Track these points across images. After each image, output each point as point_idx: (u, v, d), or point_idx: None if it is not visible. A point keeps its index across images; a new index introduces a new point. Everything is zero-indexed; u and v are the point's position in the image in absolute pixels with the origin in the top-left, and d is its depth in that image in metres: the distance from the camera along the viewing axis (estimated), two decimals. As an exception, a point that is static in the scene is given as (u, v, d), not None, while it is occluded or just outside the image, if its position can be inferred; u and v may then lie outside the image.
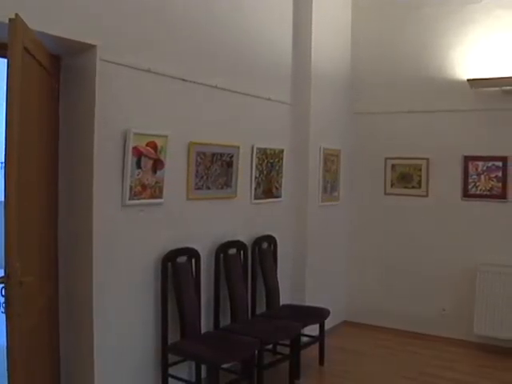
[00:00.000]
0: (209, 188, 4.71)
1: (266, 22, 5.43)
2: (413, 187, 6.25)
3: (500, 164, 5.72)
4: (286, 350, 4.94)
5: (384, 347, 5.82)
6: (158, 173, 4.13)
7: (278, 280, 5.44)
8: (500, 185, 5.73)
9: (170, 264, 4.24)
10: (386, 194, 6.44)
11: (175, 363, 4.24)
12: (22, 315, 2.72)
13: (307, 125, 5.86)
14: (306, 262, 5.89)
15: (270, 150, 5.48)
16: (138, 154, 3.94)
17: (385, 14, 6.41)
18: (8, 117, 2.64)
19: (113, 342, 3.85)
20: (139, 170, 3.97)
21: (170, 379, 4.20)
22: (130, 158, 3.88)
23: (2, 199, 2.66)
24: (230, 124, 4.94)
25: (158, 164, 4.12)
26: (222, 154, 4.80)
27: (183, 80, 4.37)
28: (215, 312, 4.76)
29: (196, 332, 4.38)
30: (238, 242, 5.03)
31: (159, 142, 4.10)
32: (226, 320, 4.86)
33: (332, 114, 6.24)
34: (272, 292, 5.33)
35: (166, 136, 4.15)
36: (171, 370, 4.21)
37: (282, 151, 5.64)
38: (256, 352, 4.39)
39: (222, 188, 4.87)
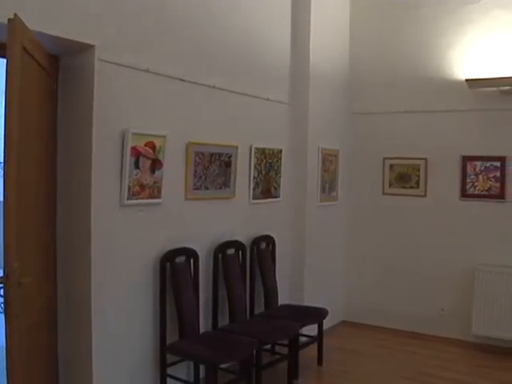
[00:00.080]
0: (207, 188, 4.71)
1: (265, 22, 5.43)
2: (411, 187, 6.25)
3: (498, 164, 5.72)
4: (285, 350, 4.94)
5: (382, 347, 5.83)
6: (157, 173, 4.13)
7: (277, 280, 5.45)
8: (498, 185, 5.73)
9: (168, 264, 4.24)
10: (384, 194, 6.45)
11: (174, 363, 4.24)
12: (20, 316, 2.72)
13: (306, 125, 5.86)
14: (305, 261, 5.89)
15: (269, 150, 5.48)
16: (137, 154, 3.94)
17: (383, 14, 6.41)
18: (7, 117, 2.64)
19: (111, 342, 3.85)
20: (137, 170, 3.97)
21: (168, 379, 4.20)
22: (129, 158, 3.87)
23: (1, 199, 2.66)
24: (228, 124, 4.94)
25: (156, 164, 4.12)
26: (220, 154, 4.81)
27: (182, 80, 4.37)
28: (213, 312, 4.76)
29: (194, 332, 4.38)
30: (237, 242, 5.03)
31: (158, 142, 4.10)
32: (224, 320, 4.87)
33: (330, 114, 6.25)
34: (270, 292, 5.33)
35: (164, 136, 4.15)
36: (170, 370, 4.21)
37: (280, 151, 5.64)
38: (254, 352, 4.39)
39: (220, 188, 4.87)
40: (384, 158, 6.40)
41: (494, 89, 5.65)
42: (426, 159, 6.13)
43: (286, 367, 4.80)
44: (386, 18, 6.39)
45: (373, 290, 6.51)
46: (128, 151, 3.86)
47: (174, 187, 4.38)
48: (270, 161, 5.51)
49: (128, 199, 3.91)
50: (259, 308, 5.31)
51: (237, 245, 5.02)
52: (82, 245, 3.71)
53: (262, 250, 5.36)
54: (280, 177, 5.68)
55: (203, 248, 4.68)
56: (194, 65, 4.53)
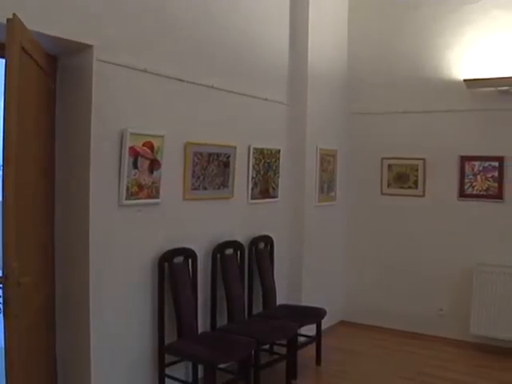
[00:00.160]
0: (205, 188, 4.71)
1: (263, 22, 5.43)
2: (409, 187, 6.26)
3: (496, 164, 5.73)
4: (283, 350, 4.95)
5: (381, 347, 5.83)
6: (155, 173, 4.13)
7: (275, 280, 5.45)
8: (496, 185, 5.74)
9: (166, 264, 4.24)
10: (382, 194, 6.45)
11: (172, 363, 4.24)
12: (19, 316, 2.72)
13: (304, 125, 5.86)
14: (303, 262, 5.89)
15: (267, 150, 5.48)
16: (135, 154, 3.94)
17: (381, 14, 6.41)
18: (6, 117, 2.63)
19: (109, 342, 3.84)
20: (136, 170, 3.97)
21: (166, 379, 4.20)
22: (127, 158, 3.87)
23: (0, 199, 2.66)
24: (226, 124, 4.94)
25: (154, 164, 4.12)
26: (218, 154, 4.80)
27: (180, 80, 4.37)
28: (212, 312, 4.76)
29: (193, 332, 4.38)
30: (235, 242, 5.03)
31: (156, 142, 4.10)
32: (222, 320, 4.87)
33: (329, 114, 6.25)
34: (269, 292, 5.33)
35: (162, 136, 4.15)
36: (168, 371, 4.21)
37: (278, 151, 5.65)
38: (253, 352, 4.40)
39: (218, 188, 4.87)
40: (382, 158, 6.40)
41: (493, 89, 5.66)
42: (424, 159, 6.13)
43: (284, 367, 4.80)
44: (385, 18, 6.39)
45: (371, 289, 6.51)
46: (126, 151, 3.86)
47: (173, 187, 4.38)
48: (268, 161, 5.51)
49: (126, 199, 3.91)
50: (257, 308, 5.31)
51: (235, 245, 5.02)
52: (80, 245, 3.71)
53: (261, 250, 5.36)
54: (278, 177, 5.68)
55: (201, 248, 4.68)
56: (192, 65, 4.53)
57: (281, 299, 5.55)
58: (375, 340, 6.05)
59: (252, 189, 5.32)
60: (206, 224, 4.77)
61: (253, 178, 5.32)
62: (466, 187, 5.90)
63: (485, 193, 5.80)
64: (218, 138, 4.79)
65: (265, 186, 5.51)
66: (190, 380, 4.46)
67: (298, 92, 5.86)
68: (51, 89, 3.68)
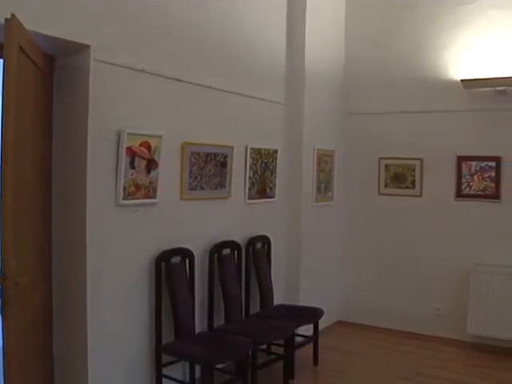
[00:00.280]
0: (203, 188, 4.71)
1: (261, 22, 5.43)
2: (406, 187, 6.26)
3: (493, 164, 5.73)
4: (280, 350, 4.94)
5: (378, 347, 5.83)
6: (152, 173, 4.13)
7: (272, 280, 5.45)
8: (493, 185, 5.74)
9: (163, 264, 4.24)
10: (379, 194, 6.45)
11: (169, 363, 4.23)
12: (17, 316, 2.72)
13: (301, 125, 5.86)
14: (300, 262, 5.89)
15: (264, 150, 5.48)
16: (132, 154, 3.94)
17: (379, 15, 6.42)
18: (4, 117, 2.63)
19: (107, 342, 3.84)
20: (133, 170, 3.97)
21: (164, 379, 4.19)
22: (124, 158, 3.87)
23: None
24: (224, 124, 4.94)
25: (151, 164, 4.11)
26: (216, 154, 4.80)
27: (177, 80, 4.37)
28: (209, 312, 4.76)
29: (190, 332, 4.38)
30: (232, 242, 5.03)
31: (153, 142, 4.10)
32: (219, 320, 4.86)
33: (326, 114, 6.25)
34: (266, 292, 5.33)
35: (159, 136, 4.15)
36: (165, 371, 4.21)
37: (275, 151, 5.65)
38: (250, 352, 4.40)
39: (215, 188, 4.87)
40: (379, 158, 6.40)
41: (490, 89, 5.66)
42: (421, 159, 6.14)
43: (281, 367, 4.80)
44: (382, 18, 6.39)
45: (369, 289, 6.51)
46: (123, 151, 3.86)
47: (170, 187, 4.38)
48: (265, 161, 5.51)
49: (123, 199, 3.91)
50: (255, 308, 5.31)
51: (232, 245, 5.02)
52: (77, 244, 3.71)
53: (258, 250, 5.36)
54: (275, 177, 5.69)
55: (199, 248, 4.68)
56: (190, 65, 4.53)
57: (278, 299, 5.55)
58: (373, 340, 6.05)
59: (249, 189, 5.32)
60: (204, 224, 4.77)
61: (250, 177, 5.32)
62: (463, 187, 5.90)
63: (482, 193, 5.81)
64: (215, 138, 4.79)
65: (262, 186, 5.51)
66: (188, 380, 4.45)
67: (295, 92, 5.86)
68: (48, 89, 3.67)
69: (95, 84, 3.65)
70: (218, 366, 4.25)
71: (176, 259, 4.35)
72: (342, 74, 6.56)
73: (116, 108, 3.87)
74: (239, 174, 5.17)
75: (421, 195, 6.18)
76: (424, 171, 6.14)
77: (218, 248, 4.83)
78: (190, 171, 4.56)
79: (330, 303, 6.17)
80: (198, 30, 4.59)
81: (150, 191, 4.14)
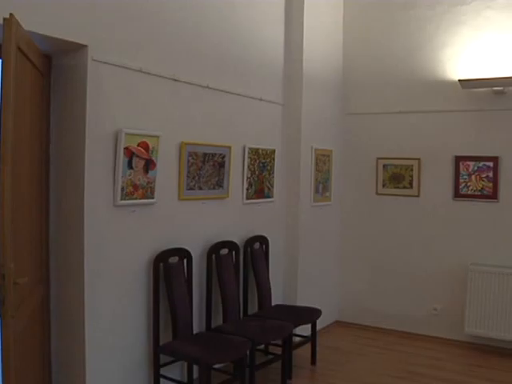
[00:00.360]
0: (201, 188, 4.71)
1: (258, 22, 5.43)
2: (404, 187, 6.27)
3: (491, 164, 5.74)
4: (278, 350, 4.94)
5: (376, 347, 5.83)
6: (150, 173, 4.13)
7: (270, 280, 5.45)
8: (491, 185, 5.75)
9: (161, 264, 4.23)
10: (377, 194, 6.46)
11: (167, 364, 4.24)
12: (15, 317, 2.71)
13: (299, 125, 5.86)
14: (298, 262, 5.89)
15: (262, 150, 5.48)
16: (130, 155, 3.94)
17: (376, 15, 6.42)
18: (3, 117, 2.62)
19: (104, 343, 3.84)
20: (131, 171, 3.96)
21: (161, 380, 4.19)
22: (122, 159, 3.87)
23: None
24: (221, 124, 4.94)
25: (149, 164, 4.11)
26: (213, 155, 4.80)
27: (175, 80, 4.37)
28: (207, 312, 4.76)
29: (188, 332, 4.38)
30: (230, 242, 5.02)
31: (151, 143, 4.09)
32: (217, 320, 4.87)
33: (324, 114, 6.26)
34: (264, 292, 5.33)
35: (157, 136, 4.15)
36: (163, 371, 4.21)
37: (273, 151, 5.65)
38: (248, 352, 4.39)
39: (213, 188, 4.86)
40: (377, 158, 6.41)
41: (487, 89, 5.68)
42: (419, 159, 6.14)
43: (279, 367, 4.80)
44: (379, 19, 6.39)
45: (367, 290, 6.52)
46: (121, 151, 3.86)
47: (168, 187, 4.38)
48: (263, 161, 5.51)
49: (121, 199, 3.91)
50: (253, 308, 5.32)
51: (230, 245, 5.01)
52: (75, 245, 3.70)
53: (256, 251, 5.36)
54: (273, 177, 5.69)
55: (197, 248, 4.68)
56: (188, 65, 4.52)
57: (276, 299, 5.56)
58: (370, 340, 6.05)
59: (247, 189, 5.32)
60: (201, 224, 4.77)
61: (248, 178, 5.31)
62: (460, 187, 5.91)
63: (479, 193, 5.82)
64: (212, 138, 4.79)
65: (260, 186, 5.51)
66: (185, 380, 4.46)
67: (293, 92, 5.87)
68: (46, 89, 3.66)
69: (93, 84, 3.65)
70: (216, 366, 4.25)
71: (174, 259, 4.34)
72: (339, 74, 6.56)
73: (114, 108, 3.86)
74: (237, 174, 5.17)
75: (418, 195, 6.18)
76: (422, 171, 6.15)
77: (216, 248, 4.83)
78: (188, 171, 4.55)
79: (327, 303, 6.17)
80: (195, 30, 4.59)
81: (148, 191, 4.14)
